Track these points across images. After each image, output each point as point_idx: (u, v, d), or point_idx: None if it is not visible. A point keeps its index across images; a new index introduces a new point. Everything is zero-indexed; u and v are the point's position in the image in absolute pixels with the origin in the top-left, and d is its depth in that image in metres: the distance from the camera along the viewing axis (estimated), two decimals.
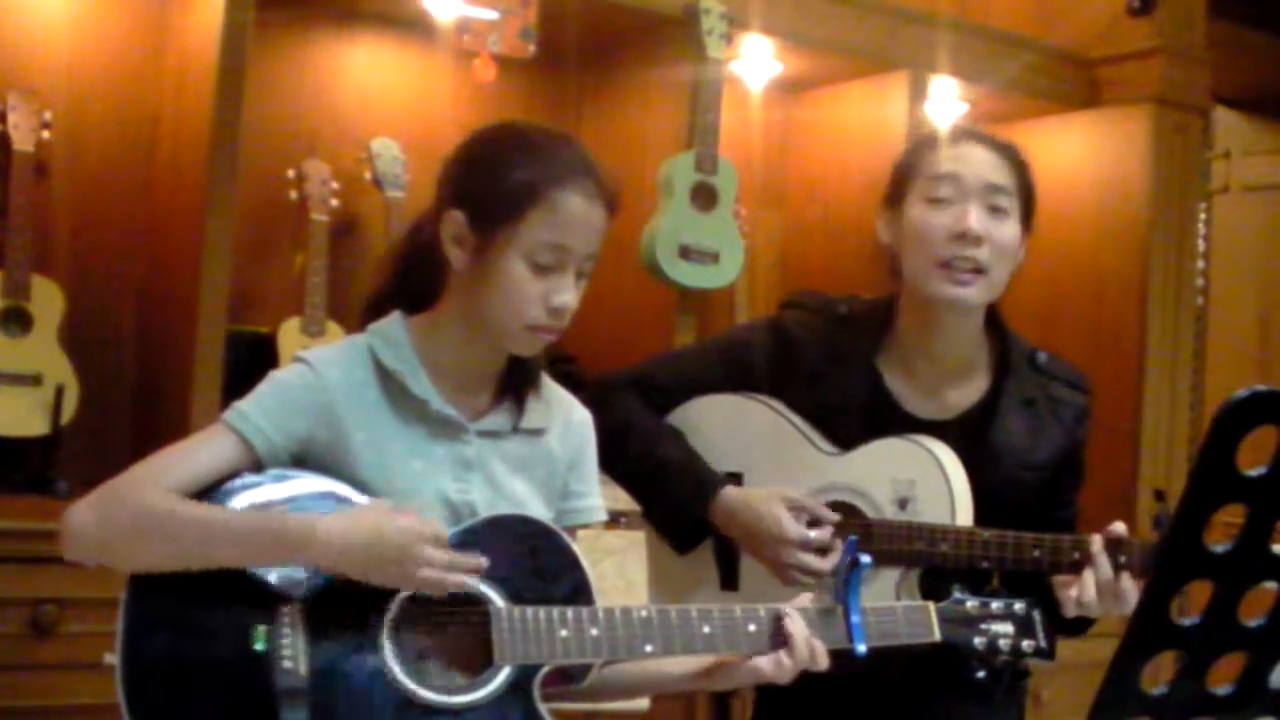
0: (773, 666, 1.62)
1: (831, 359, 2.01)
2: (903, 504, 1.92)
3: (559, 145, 1.62)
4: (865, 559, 1.66)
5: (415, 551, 1.47)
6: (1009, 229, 1.94)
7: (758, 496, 1.96)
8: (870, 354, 2.01)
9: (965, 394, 2.01)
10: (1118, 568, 1.80)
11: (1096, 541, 1.82)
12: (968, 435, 1.96)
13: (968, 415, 1.99)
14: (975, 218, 1.90)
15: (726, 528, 1.98)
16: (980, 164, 1.94)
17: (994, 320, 2.03)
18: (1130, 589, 1.80)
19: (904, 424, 1.98)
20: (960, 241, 1.90)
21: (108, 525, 1.49)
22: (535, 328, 1.60)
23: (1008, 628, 1.74)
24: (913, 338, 2.00)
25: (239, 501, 1.53)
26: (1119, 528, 1.83)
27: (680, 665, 1.70)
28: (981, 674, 1.73)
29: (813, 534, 1.92)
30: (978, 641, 1.73)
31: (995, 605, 1.75)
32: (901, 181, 2.00)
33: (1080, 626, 1.91)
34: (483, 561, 1.53)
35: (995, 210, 1.92)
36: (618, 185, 1.65)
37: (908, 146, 2.06)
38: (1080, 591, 1.80)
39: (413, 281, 1.68)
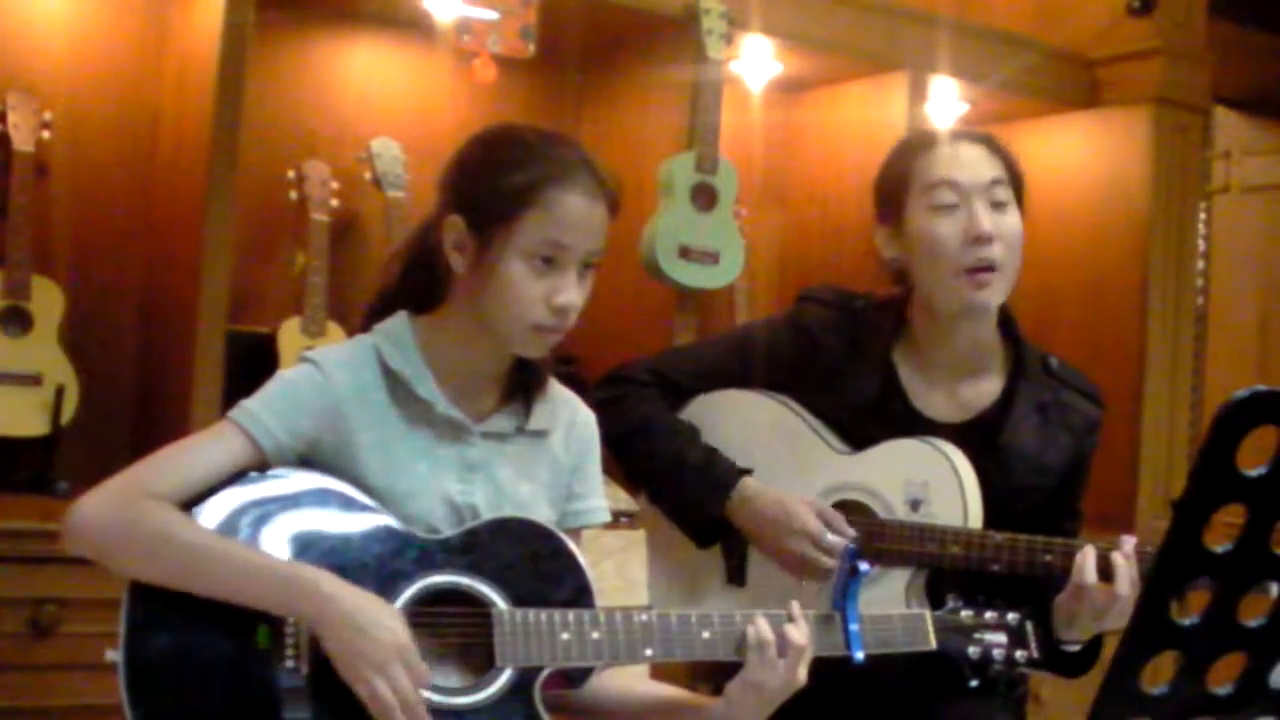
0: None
1: (850, 353, 2.02)
2: (915, 505, 1.91)
3: (555, 144, 1.62)
4: (864, 566, 1.66)
5: (391, 667, 1.43)
6: (1013, 218, 1.95)
7: (782, 490, 1.95)
8: (886, 349, 2.01)
9: (979, 394, 2.01)
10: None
11: (1128, 544, 1.79)
12: (981, 437, 1.96)
13: (981, 417, 1.99)
14: (984, 218, 1.91)
15: (740, 517, 1.97)
16: (974, 163, 1.95)
17: (1007, 321, 2.03)
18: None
19: (916, 423, 1.98)
20: (975, 245, 1.91)
21: (108, 532, 1.48)
22: (540, 328, 1.59)
23: (1001, 638, 1.75)
24: (927, 339, 2.01)
25: (241, 499, 1.52)
26: (1128, 545, 1.80)
27: (674, 690, 1.72)
28: (975, 683, 1.74)
29: (830, 537, 1.92)
30: (972, 651, 1.74)
31: (989, 615, 1.76)
32: (896, 193, 1.99)
33: (1080, 665, 1.90)
34: None
35: (997, 205, 1.94)
36: (617, 182, 1.64)
37: (891, 157, 2.04)
38: (1118, 585, 1.76)
39: (417, 284, 1.67)
